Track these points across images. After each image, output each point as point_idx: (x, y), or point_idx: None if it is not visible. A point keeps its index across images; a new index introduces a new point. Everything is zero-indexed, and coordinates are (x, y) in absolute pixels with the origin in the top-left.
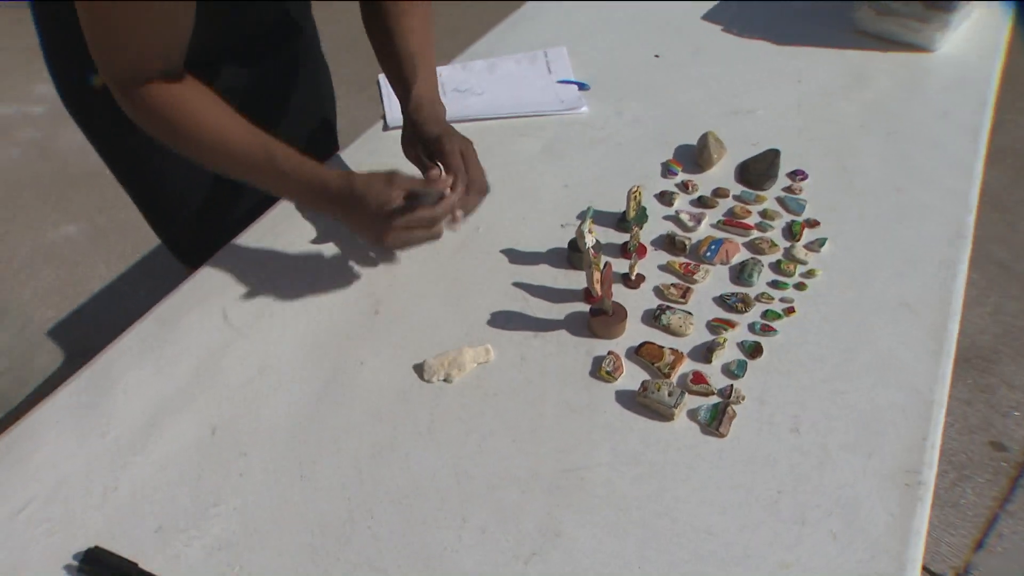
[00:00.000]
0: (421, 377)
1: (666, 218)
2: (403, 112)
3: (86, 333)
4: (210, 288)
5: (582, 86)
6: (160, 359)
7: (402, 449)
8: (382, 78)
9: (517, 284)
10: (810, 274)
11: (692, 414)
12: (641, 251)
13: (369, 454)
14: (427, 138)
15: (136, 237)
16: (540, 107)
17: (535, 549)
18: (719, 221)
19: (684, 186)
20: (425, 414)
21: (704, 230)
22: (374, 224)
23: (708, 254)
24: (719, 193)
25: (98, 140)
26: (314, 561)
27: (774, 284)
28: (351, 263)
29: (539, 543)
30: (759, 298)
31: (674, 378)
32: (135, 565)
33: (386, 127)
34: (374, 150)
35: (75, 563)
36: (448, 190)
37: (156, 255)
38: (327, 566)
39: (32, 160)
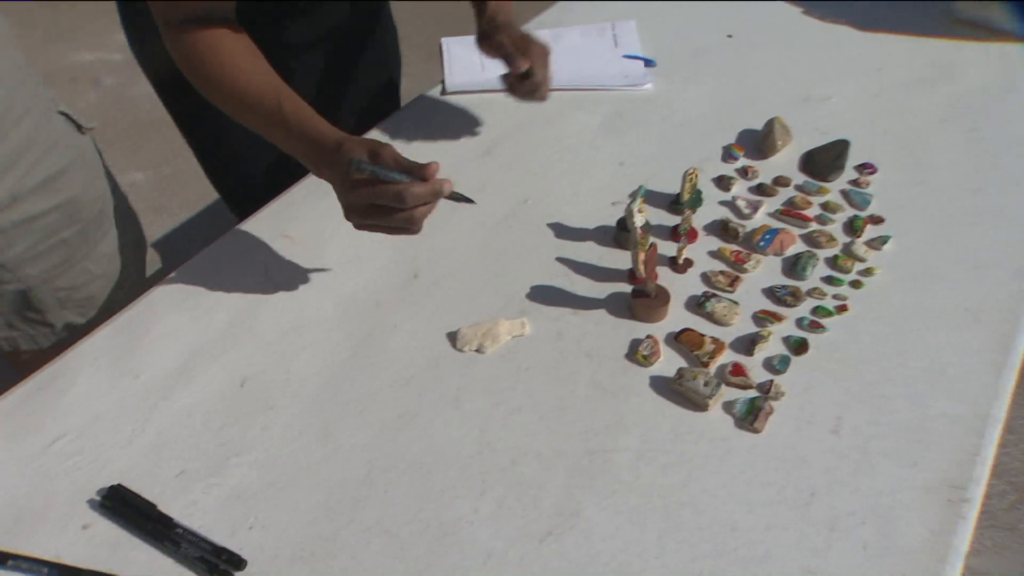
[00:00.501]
0: (454, 346)
1: (722, 203)
2: (482, 17)
3: None
4: (254, 241)
5: (648, 62)
6: (197, 307)
7: (427, 416)
8: (444, 42)
9: (561, 259)
10: (868, 272)
11: (727, 406)
12: (692, 235)
13: (393, 418)
14: (513, 34)
15: (199, 187)
16: (603, 81)
17: (551, 528)
18: (777, 210)
19: (744, 172)
20: (454, 383)
21: (760, 218)
22: (342, 191)
23: (762, 243)
24: (780, 181)
25: (163, 90)
26: (328, 519)
27: (828, 280)
28: None
29: (556, 523)
30: (811, 293)
31: (712, 368)
32: (154, 507)
33: (444, 91)
34: (428, 108)
35: (97, 498)
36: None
37: (219, 206)
38: (339, 526)
39: (108, 107)
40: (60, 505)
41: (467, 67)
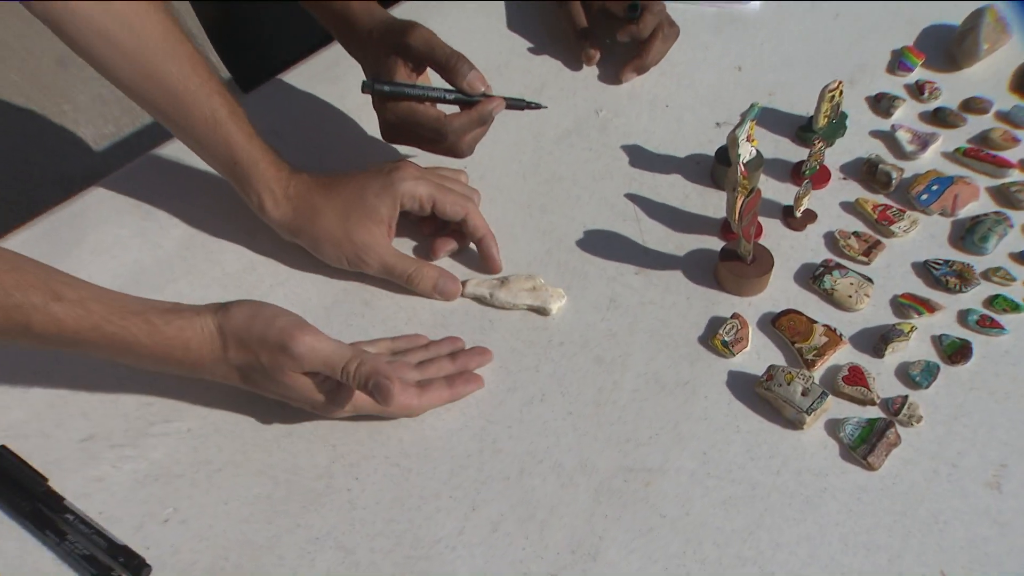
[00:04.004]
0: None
1: (874, 134)
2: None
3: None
4: None
5: None
6: (146, 218)
7: None
8: None
9: (631, 195)
10: None
11: (832, 427)
12: (821, 177)
13: None
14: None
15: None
16: None
17: (556, 570)
18: (958, 149)
19: (919, 89)
20: None
21: (929, 159)
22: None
23: (925, 197)
24: (972, 106)
25: None
26: (267, 520)
27: (1020, 258)
28: None
29: (565, 562)
30: (989, 275)
31: (819, 370)
32: (43, 481)
33: None
34: None
35: None
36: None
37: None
38: (280, 531)
39: None
40: None
41: None
